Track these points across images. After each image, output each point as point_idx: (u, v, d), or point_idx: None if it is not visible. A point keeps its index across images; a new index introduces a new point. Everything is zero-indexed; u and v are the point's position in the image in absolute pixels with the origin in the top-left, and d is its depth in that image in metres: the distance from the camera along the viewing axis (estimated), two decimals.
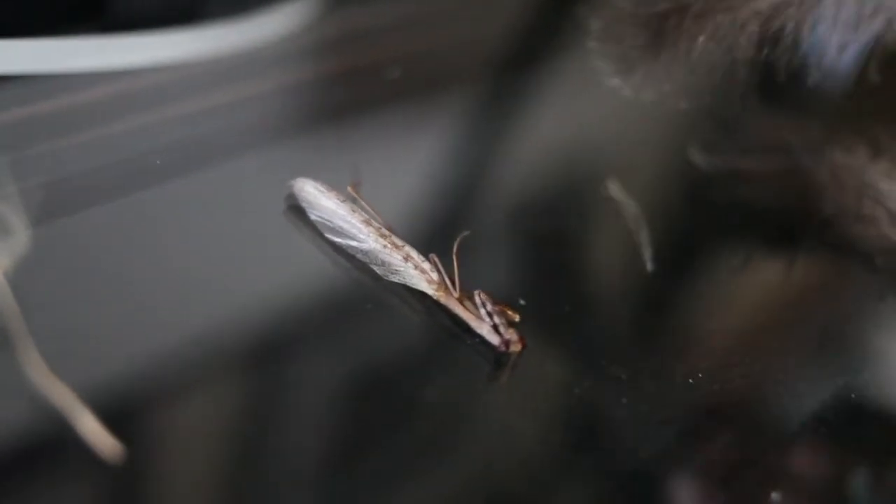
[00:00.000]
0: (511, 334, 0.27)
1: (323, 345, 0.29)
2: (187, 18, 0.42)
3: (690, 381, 0.28)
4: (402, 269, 0.29)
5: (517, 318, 0.28)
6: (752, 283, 0.34)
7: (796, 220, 0.32)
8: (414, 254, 0.29)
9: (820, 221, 0.34)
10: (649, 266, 0.27)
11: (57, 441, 0.23)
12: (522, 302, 0.29)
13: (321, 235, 0.30)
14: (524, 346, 0.27)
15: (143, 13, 0.42)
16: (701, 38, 0.29)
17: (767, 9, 0.26)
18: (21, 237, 0.26)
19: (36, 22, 0.39)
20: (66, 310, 0.26)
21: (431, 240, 0.29)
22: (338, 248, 0.29)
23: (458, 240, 0.29)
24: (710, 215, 0.36)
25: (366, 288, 0.29)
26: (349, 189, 0.30)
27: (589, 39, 0.31)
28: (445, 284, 0.28)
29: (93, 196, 0.31)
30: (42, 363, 0.24)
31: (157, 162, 0.32)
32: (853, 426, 0.29)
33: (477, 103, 0.42)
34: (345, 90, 0.41)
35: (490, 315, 0.28)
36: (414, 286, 0.29)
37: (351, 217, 0.29)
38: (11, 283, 0.25)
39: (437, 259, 0.29)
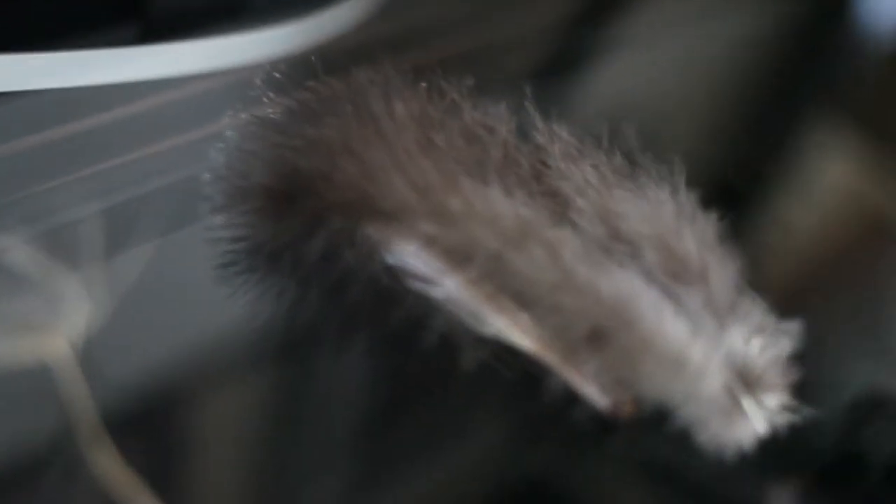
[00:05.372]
0: (621, 394, 0.26)
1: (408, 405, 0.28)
2: (231, 17, 0.41)
3: None
4: (495, 320, 0.27)
5: None
6: None
7: None
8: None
9: None
10: None
11: None
12: None
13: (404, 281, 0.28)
14: (637, 411, 0.26)
15: (183, 12, 0.41)
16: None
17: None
18: (89, 304, 0.24)
19: (71, 28, 0.38)
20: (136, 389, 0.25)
21: None
22: (424, 296, 0.28)
23: None
24: None
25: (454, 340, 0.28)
26: None
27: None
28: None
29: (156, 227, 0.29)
30: (114, 455, 0.22)
31: None
32: None
33: None
34: None
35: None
36: (509, 339, 0.27)
37: (436, 261, 0.28)
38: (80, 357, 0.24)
39: None
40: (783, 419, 0.26)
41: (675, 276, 0.27)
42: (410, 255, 0.28)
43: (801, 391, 0.26)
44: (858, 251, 0.35)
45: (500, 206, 0.27)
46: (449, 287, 0.27)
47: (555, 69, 0.42)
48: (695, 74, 0.44)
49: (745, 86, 0.44)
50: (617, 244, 0.27)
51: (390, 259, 0.28)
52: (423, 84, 0.29)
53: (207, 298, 0.29)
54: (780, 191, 0.37)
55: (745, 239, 0.34)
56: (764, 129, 0.42)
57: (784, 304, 0.29)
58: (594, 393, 0.26)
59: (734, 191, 0.36)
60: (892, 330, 0.33)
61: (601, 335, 0.25)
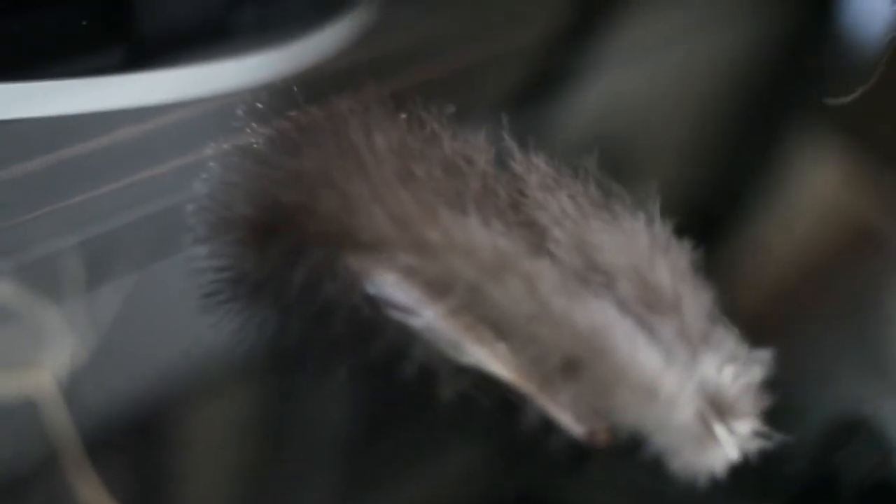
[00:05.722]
0: (597, 422, 0.26)
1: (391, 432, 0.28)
2: (215, 43, 0.41)
3: None
4: (474, 350, 0.28)
5: None
6: None
7: None
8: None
9: None
10: None
11: None
12: None
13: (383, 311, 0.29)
14: (612, 439, 0.26)
15: (167, 38, 0.41)
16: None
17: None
18: (72, 337, 0.25)
19: (53, 56, 0.38)
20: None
21: None
22: (404, 326, 0.29)
23: None
24: None
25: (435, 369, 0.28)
26: None
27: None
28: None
29: (138, 258, 0.30)
30: (98, 486, 0.23)
31: None
32: None
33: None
34: None
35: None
36: (487, 369, 0.28)
37: (415, 292, 0.28)
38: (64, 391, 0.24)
39: None
40: (756, 446, 0.27)
41: (648, 306, 0.27)
42: (390, 286, 0.28)
43: (778, 415, 0.27)
44: (843, 265, 0.36)
45: (479, 238, 0.27)
46: (428, 317, 0.28)
47: (534, 92, 0.42)
48: (676, 93, 0.44)
49: (728, 104, 0.44)
50: (592, 274, 0.28)
51: (370, 289, 0.28)
52: (403, 114, 0.30)
53: (190, 329, 0.29)
54: (763, 210, 0.38)
55: (726, 263, 0.34)
56: (747, 145, 0.42)
57: (767, 323, 0.30)
58: (570, 421, 0.27)
59: (714, 214, 0.37)
60: (879, 345, 0.34)
61: (576, 365, 0.26)
